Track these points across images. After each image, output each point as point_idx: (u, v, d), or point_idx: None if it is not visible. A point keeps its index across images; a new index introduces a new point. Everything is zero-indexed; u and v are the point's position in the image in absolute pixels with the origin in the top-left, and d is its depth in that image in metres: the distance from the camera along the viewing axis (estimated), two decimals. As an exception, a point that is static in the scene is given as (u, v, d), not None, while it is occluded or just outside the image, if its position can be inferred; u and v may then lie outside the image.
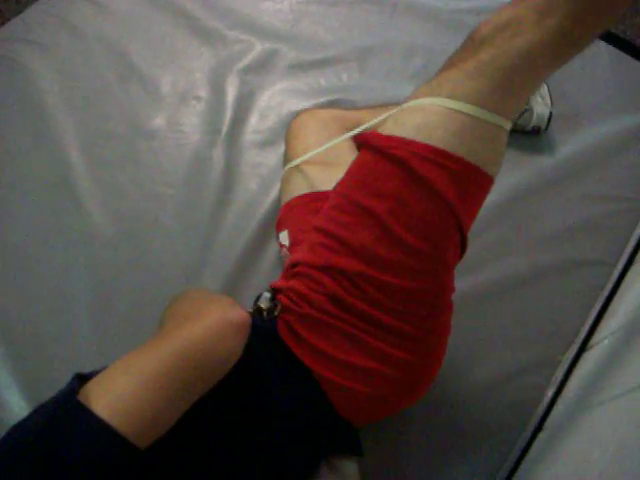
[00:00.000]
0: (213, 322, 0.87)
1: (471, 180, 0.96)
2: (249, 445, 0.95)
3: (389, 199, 0.96)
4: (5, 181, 1.52)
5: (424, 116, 0.96)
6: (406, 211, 0.95)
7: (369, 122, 1.19)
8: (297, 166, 1.32)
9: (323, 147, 1.27)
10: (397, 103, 1.49)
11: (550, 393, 1.26)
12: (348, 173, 1.05)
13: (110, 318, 1.32)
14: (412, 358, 1.00)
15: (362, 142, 1.04)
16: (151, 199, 1.46)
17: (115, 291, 1.35)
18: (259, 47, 1.74)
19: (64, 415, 0.81)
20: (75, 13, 1.82)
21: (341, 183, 1.06)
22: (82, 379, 0.88)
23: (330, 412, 1.01)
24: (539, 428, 1.22)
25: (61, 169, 1.52)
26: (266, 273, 1.36)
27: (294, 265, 1.07)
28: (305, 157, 1.28)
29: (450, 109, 0.94)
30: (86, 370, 0.92)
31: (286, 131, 1.44)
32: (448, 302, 1.04)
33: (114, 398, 0.80)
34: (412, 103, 1.00)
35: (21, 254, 1.41)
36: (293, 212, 1.29)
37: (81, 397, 0.81)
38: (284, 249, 1.28)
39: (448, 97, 0.94)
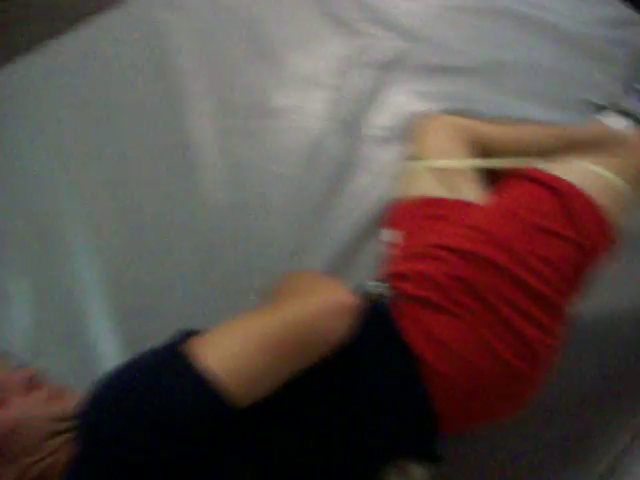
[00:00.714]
0: (326, 301, 0.91)
1: (608, 239, 1.09)
2: (334, 426, 0.97)
3: (541, 216, 1.06)
4: (129, 134, 1.59)
5: (583, 174, 1.11)
6: (554, 230, 1.04)
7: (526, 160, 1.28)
8: (421, 167, 1.33)
9: (467, 163, 1.31)
10: (523, 122, 1.51)
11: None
12: (508, 193, 1.12)
13: (209, 283, 1.37)
14: (525, 368, 1.01)
15: (533, 176, 1.14)
16: (265, 175, 1.50)
17: (216, 258, 1.40)
18: (390, 44, 1.74)
19: (171, 364, 0.86)
20: None
21: (498, 199, 1.14)
22: (187, 334, 0.94)
23: (423, 406, 1.01)
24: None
25: (182, 131, 1.58)
26: (366, 266, 1.37)
27: (428, 247, 1.10)
28: (438, 164, 1.29)
29: (603, 177, 1.10)
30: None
31: (413, 130, 1.45)
32: (562, 332, 1.06)
33: (221, 355, 0.85)
34: (568, 164, 1.15)
35: (134, 208, 1.48)
36: (408, 212, 1.30)
37: (188, 350, 0.86)
38: (388, 246, 1.30)
39: (598, 165, 1.12)
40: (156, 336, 1.31)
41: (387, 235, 1.31)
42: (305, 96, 1.64)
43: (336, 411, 0.97)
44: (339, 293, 0.92)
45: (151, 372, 0.86)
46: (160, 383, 0.84)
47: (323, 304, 0.90)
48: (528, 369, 1.02)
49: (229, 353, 0.85)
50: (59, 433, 0.96)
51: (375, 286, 1.08)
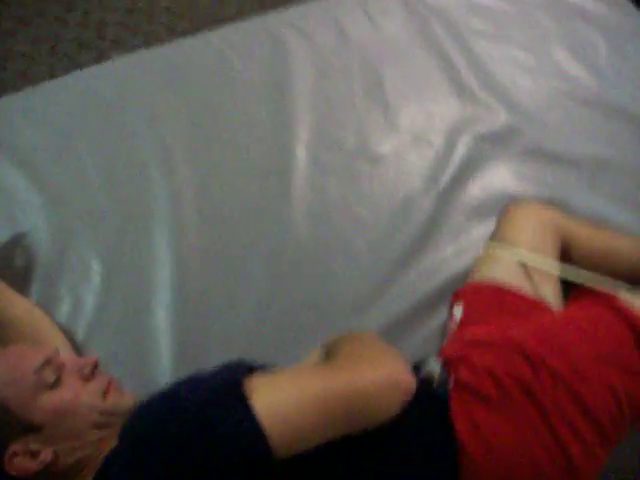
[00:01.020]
0: (385, 376, 0.91)
1: None
2: None
3: (615, 347, 1.06)
4: (230, 144, 1.66)
5: None
6: (624, 363, 1.04)
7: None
8: (501, 251, 1.33)
9: (555, 267, 1.30)
10: (612, 226, 1.49)
11: None
12: (586, 312, 1.10)
13: (273, 310, 1.40)
14: None
15: (617, 307, 1.12)
16: (352, 218, 1.52)
17: (286, 288, 1.43)
18: (503, 119, 1.74)
19: (226, 398, 0.88)
20: (349, 19, 1.92)
21: (575, 313, 1.14)
22: (248, 369, 0.96)
23: None
24: None
25: (282, 157, 1.62)
26: (428, 338, 1.37)
27: (496, 339, 1.11)
28: (526, 257, 1.29)
29: None
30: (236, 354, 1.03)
31: (503, 212, 1.44)
32: (606, 457, 1.04)
33: (275, 402, 0.87)
34: None
35: (219, 219, 1.53)
36: (479, 293, 1.30)
37: (247, 388, 0.88)
38: (453, 322, 1.30)
39: None
40: (208, 347, 1.36)
41: (457, 312, 1.31)
42: (408, 150, 1.66)
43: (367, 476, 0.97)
44: (401, 370, 0.93)
45: (207, 400, 0.88)
46: (212, 413, 0.86)
47: (384, 379, 0.90)
48: None
49: (284, 403, 0.86)
50: (105, 426, 0.99)
51: (435, 366, 1.08)
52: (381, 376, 0.90)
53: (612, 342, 1.06)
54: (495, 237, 1.40)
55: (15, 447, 0.92)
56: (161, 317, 1.39)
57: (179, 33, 1.89)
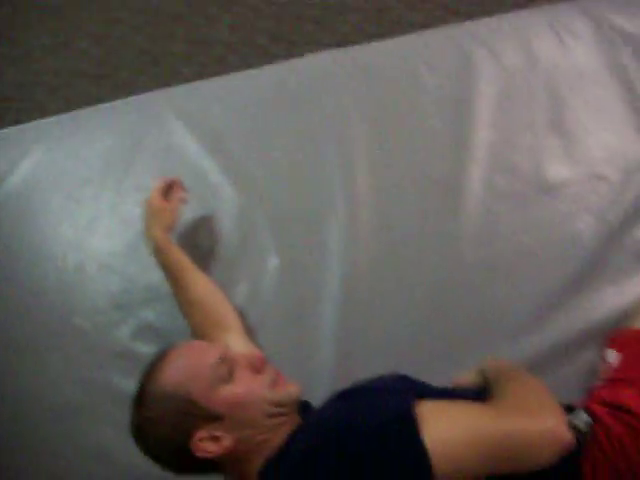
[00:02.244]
0: (551, 429, 0.96)
1: None
2: None
3: None
4: (411, 152, 1.72)
5: None
6: None
7: None
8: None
9: None
10: None
11: None
12: None
13: (432, 327, 1.50)
14: None
15: None
16: (517, 246, 1.56)
17: (444, 306, 1.52)
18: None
19: (400, 427, 0.98)
20: (538, 40, 1.86)
21: None
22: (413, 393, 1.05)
23: None
24: None
25: (457, 175, 1.66)
26: (575, 375, 1.42)
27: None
28: None
29: None
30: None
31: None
32: None
33: (445, 438, 0.95)
34: None
35: (390, 232, 1.61)
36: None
37: (416, 417, 0.97)
38: (605, 366, 1.33)
39: None
40: (367, 349, 1.46)
41: (610, 357, 1.34)
42: (582, 183, 1.64)
43: None
44: (561, 427, 0.97)
45: (382, 427, 0.98)
46: (384, 443, 0.96)
47: (549, 432, 0.96)
48: None
49: (454, 441, 0.95)
50: (276, 415, 1.12)
51: (584, 423, 1.12)
52: (548, 429, 0.96)
53: None
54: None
55: (201, 434, 1.06)
56: (327, 314, 1.51)
57: (368, 35, 1.95)
